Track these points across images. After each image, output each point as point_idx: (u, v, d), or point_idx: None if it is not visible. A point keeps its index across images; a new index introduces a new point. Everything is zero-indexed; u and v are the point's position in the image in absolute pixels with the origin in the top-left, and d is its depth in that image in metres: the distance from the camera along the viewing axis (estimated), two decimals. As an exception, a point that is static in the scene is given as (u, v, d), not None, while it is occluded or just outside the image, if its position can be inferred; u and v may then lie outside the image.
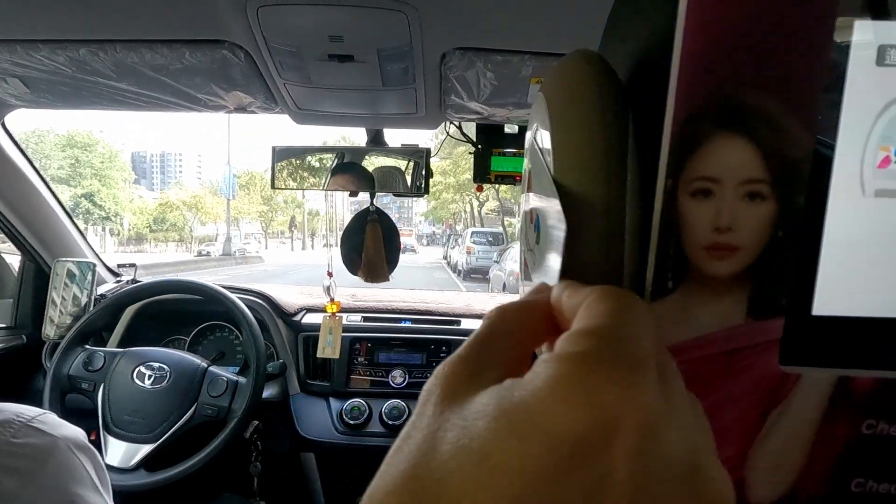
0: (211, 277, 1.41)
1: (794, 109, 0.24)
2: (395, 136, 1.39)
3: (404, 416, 1.39)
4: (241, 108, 1.12)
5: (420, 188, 1.33)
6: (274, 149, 1.29)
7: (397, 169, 1.39)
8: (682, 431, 0.18)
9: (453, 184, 27.31)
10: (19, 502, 0.42)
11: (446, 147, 1.26)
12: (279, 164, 1.43)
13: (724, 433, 0.26)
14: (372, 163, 1.42)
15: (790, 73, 0.23)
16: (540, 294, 0.26)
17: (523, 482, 0.15)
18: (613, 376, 0.17)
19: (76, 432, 0.50)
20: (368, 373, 1.48)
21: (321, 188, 1.44)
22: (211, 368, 1.29)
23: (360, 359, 1.49)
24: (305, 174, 1.48)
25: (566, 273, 0.27)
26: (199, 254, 30.62)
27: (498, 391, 0.18)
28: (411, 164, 1.36)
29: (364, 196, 1.38)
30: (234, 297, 1.33)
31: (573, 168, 0.28)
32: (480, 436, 0.16)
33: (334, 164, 1.42)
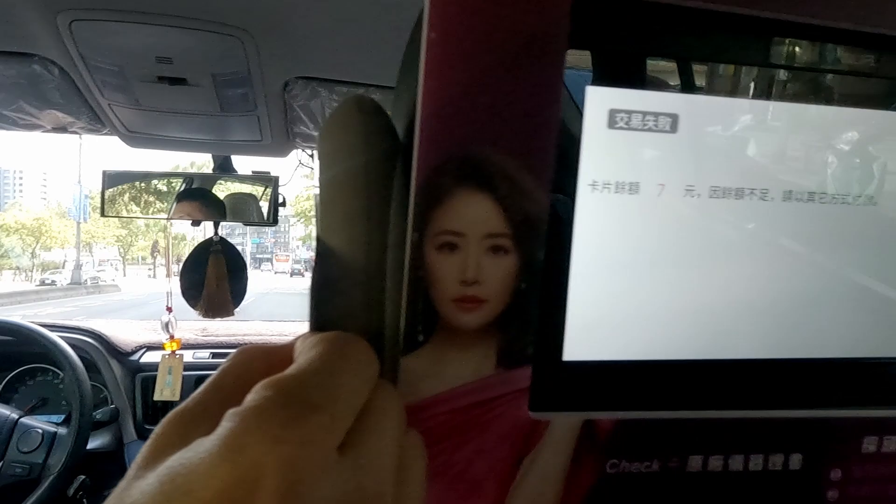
0: (56, 310, 1.25)
1: (530, 168, 0.25)
2: (250, 163, 1.33)
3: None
4: (61, 129, 1.01)
5: (272, 216, 1.28)
6: (105, 173, 1.18)
7: (251, 196, 1.34)
8: (349, 474, 0.18)
9: (332, 208, 26.79)
10: None
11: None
12: (118, 188, 1.31)
13: (479, 483, 0.26)
14: (227, 188, 1.36)
15: (525, 134, 0.24)
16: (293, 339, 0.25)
17: None
18: (266, 428, 0.17)
19: None
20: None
21: (167, 216, 1.34)
22: (23, 420, 1.13)
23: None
24: (152, 199, 1.37)
25: (322, 328, 0.26)
26: (43, 283, 27.33)
27: (173, 458, 0.17)
28: (268, 190, 1.32)
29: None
30: (53, 336, 1.18)
31: (333, 228, 0.27)
32: None
33: (180, 190, 1.34)
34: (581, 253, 0.27)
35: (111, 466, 1.29)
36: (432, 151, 0.24)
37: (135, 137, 1.05)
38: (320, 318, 0.26)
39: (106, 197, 1.20)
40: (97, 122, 0.98)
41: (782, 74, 0.29)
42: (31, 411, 1.17)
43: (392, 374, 0.25)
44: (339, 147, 0.28)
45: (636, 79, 0.27)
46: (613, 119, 0.27)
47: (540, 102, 0.24)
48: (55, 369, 1.39)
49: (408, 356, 0.25)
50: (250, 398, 0.18)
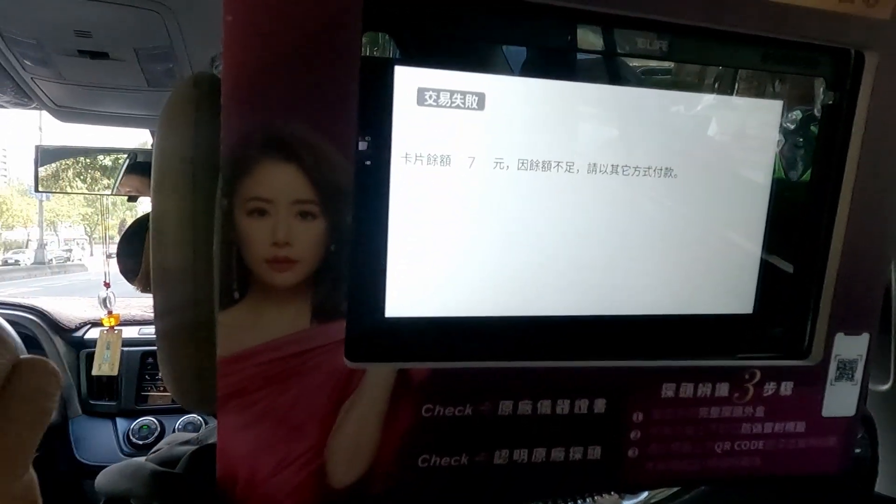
0: (18, 290, 1.24)
1: (333, 140, 0.27)
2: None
3: (202, 430, 1.33)
4: (-13, 103, 1.00)
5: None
6: (38, 148, 1.16)
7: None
8: None
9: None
10: None
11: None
12: (60, 163, 1.30)
13: (300, 427, 0.29)
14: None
15: (326, 108, 0.27)
16: None
17: None
18: None
19: None
20: (162, 388, 1.39)
21: (112, 192, 1.33)
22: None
23: (155, 374, 1.40)
24: (97, 174, 1.36)
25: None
26: (6, 262, 26.55)
27: None
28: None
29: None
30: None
31: (164, 195, 0.30)
32: None
33: (125, 165, 1.32)
34: (398, 219, 0.30)
35: (56, 441, 1.30)
36: (235, 125, 0.26)
37: (64, 112, 1.04)
38: (156, 268, 0.28)
39: (41, 173, 1.19)
40: (23, 96, 0.97)
41: (584, 57, 0.32)
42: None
43: None
44: (172, 118, 0.30)
45: (443, 59, 0.29)
46: (422, 97, 0.29)
47: (339, 78, 0.27)
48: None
49: (224, 311, 0.27)
50: None
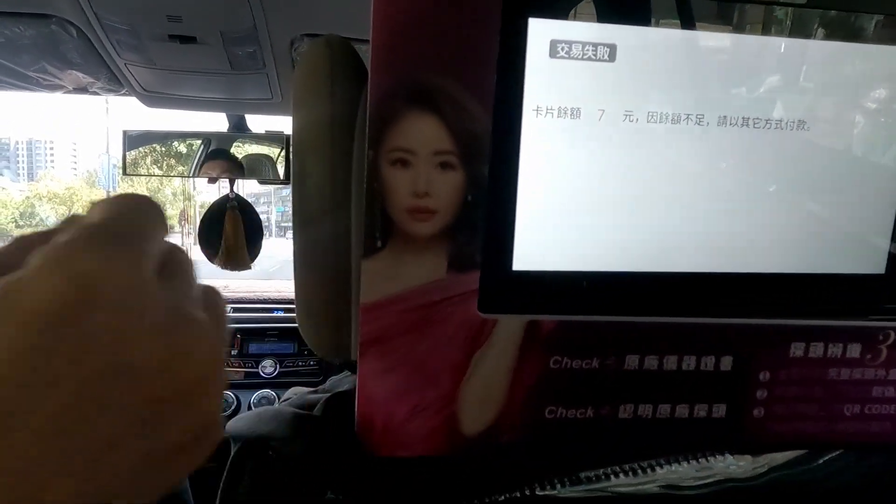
0: None
1: (472, 92, 0.28)
2: (266, 123, 1.37)
3: (274, 405, 1.38)
4: (82, 89, 1.05)
5: (287, 175, 1.32)
6: (125, 133, 1.23)
7: (267, 157, 1.37)
8: (168, 297, 0.19)
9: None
10: None
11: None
12: (139, 150, 1.36)
13: (435, 374, 0.30)
14: (244, 150, 1.39)
15: (466, 61, 0.27)
16: None
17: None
18: (98, 247, 0.17)
19: None
20: (238, 364, 1.45)
21: (190, 175, 1.39)
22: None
23: (230, 350, 1.46)
24: (172, 161, 1.42)
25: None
26: (76, 251, 28.07)
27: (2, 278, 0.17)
28: (282, 151, 1.35)
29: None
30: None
31: (305, 155, 0.31)
32: None
33: (201, 151, 1.38)
34: (528, 173, 0.30)
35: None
36: (383, 77, 0.27)
37: (151, 97, 1.09)
38: (298, 223, 0.30)
39: (127, 158, 1.25)
40: (115, 82, 1.02)
41: (716, 6, 0.31)
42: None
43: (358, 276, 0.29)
44: (309, 80, 0.32)
45: (576, 10, 0.29)
46: (555, 49, 0.29)
47: (479, 32, 0.27)
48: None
49: (368, 259, 0.29)
50: (59, 235, 0.18)
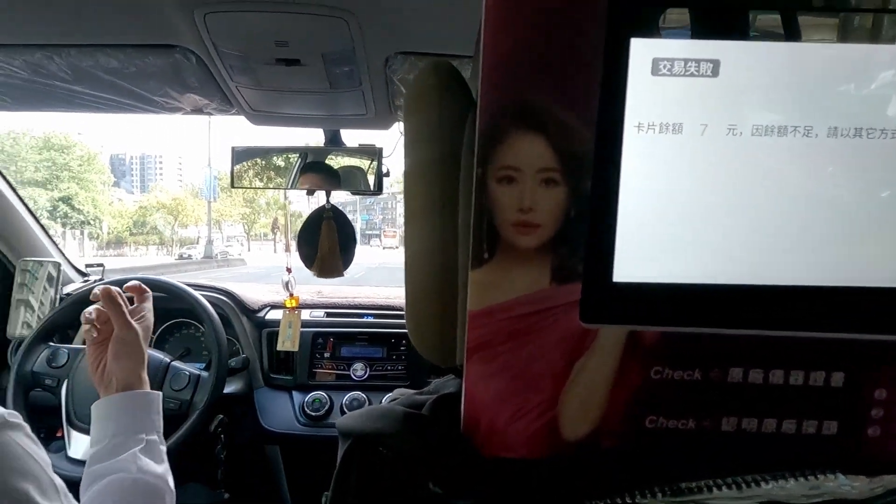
0: (193, 281, 1.46)
1: (576, 112, 0.29)
2: (358, 136, 1.43)
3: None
4: (198, 110, 1.16)
5: (378, 186, 1.37)
6: (233, 149, 1.32)
7: (359, 168, 1.44)
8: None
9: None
10: None
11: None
12: (242, 164, 1.46)
13: (537, 380, 0.32)
14: (338, 162, 1.47)
15: (571, 83, 0.29)
16: None
17: None
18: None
19: (5, 411, 0.54)
20: (331, 366, 1.52)
21: (287, 187, 1.48)
22: (173, 363, 1.32)
23: (323, 353, 1.53)
24: (272, 173, 1.52)
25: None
26: (181, 257, 30.35)
27: None
28: (374, 163, 1.41)
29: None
30: (196, 294, 1.36)
31: (415, 172, 0.33)
32: None
33: (298, 164, 1.46)
34: (629, 187, 0.31)
35: (243, 408, 1.47)
36: (493, 99, 0.29)
37: (258, 115, 1.17)
38: (408, 238, 0.32)
39: (234, 171, 1.35)
40: (227, 103, 1.11)
41: (821, 16, 0.31)
42: (179, 358, 1.36)
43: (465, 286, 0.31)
44: (419, 103, 0.34)
45: (678, 29, 0.30)
46: (657, 67, 0.30)
47: (583, 54, 0.29)
48: (197, 324, 1.60)
49: (475, 270, 0.30)
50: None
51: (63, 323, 1.44)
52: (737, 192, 0.31)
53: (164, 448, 0.77)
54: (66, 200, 30.27)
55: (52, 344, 1.36)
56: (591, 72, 0.29)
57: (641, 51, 0.30)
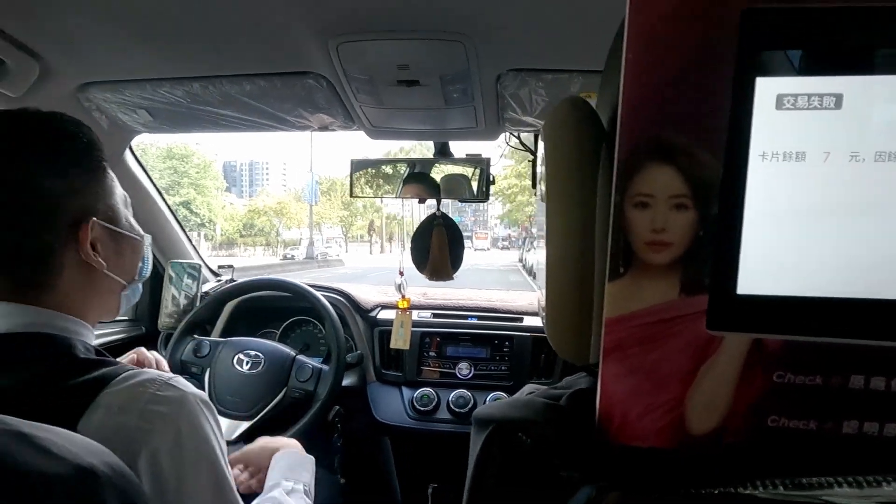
0: (296, 280, 1.60)
1: (705, 145, 0.33)
2: (463, 147, 1.51)
3: (469, 405, 1.51)
4: (325, 128, 1.27)
5: (483, 194, 1.44)
6: (352, 161, 1.44)
7: (464, 176, 1.51)
8: None
9: (529, 186, 27.22)
10: (160, 438, 0.57)
11: (523, 151, 1.36)
12: (356, 173, 1.58)
13: (665, 380, 0.36)
14: (442, 170, 1.55)
15: (701, 119, 0.33)
16: None
17: None
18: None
19: (199, 391, 0.65)
20: (437, 364, 1.61)
21: (394, 196, 1.58)
22: (298, 357, 1.46)
23: (429, 352, 1.62)
24: (381, 182, 1.62)
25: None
26: (285, 257, 32.22)
27: None
28: (477, 170, 1.48)
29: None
30: (317, 294, 1.49)
31: (556, 199, 0.39)
32: None
33: (406, 174, 1.56)
34: (753, 209, 0.35)
35: (357, 401, 1.59)
36: (630, 136, 0.33)
37: (376, 131, 1.28)
38: (550, 255, 0.38)
39: (353, 180, 1.47)
40: (349, 120, 1.22)
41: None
42: (300, 353, 1.49)
43: (601, 297, 0.36)
44: (557, 138, 0.39)
45: (801, 68, 0.33)
46: (781, 102, 0.34)
47: (713, 94, 0.33)
48: (315, 321, 1.75)
49: (611, 282, 0.35)
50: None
51: (204, 319, 1.63)
52: (856, 213, 0.34)
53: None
54: (186, 205, 33.10)
55: (196, 336, 1.54)
56: (719, 108, 0.33)
57: (766, 88, 0.33)
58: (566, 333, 0.42)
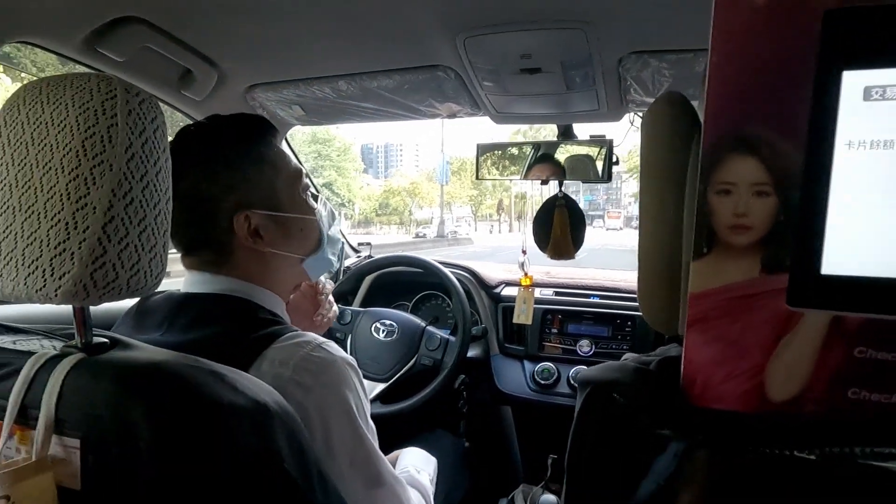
0: (427, 257, 1.73)
1: (786, 135, 0.36)
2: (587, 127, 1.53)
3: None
4: (452, 115, 1.36)
5: (608, 174, 1.45)
6: (478, 145, 1.52)
7: (588, 157, 1.53)
8: None
9: (666, 162, 25.77)
10: (306, 391, 0.67)
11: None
12: (483, 156, 1.65)
13: (746, 350, 0.40)
14: (567, 150, 1.58)
15: (783, 111, 0.36)
16: None
17: None
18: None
19: (348, 355, 0.75)
20: (558, 341, 1.66)
21: (520, 178, 1.63)
22: (428, 328, 1.58)
23: (551, 328, 1.68)
24: (506, 163, 1.69)
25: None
26: (417, 236, 33.49)
27: None
28: (602, 150, 1.49)
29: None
30: (446, 270, 1.60)
31: (650, 184, 0.43)
32: None
33: (531, 156, 1.61)
34: (839, 194, 0.37)
35: (481, 371, 1.69)
36: (714, 131, 0.37)
37: (501, 116, 1.34)
38: (642, 233, 0.43)
39: (479, 162, 1.55)
40: (475, 107, 1.30)
41: None
42: (430, 324, 1.62)
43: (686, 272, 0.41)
44: (653, 130, 0.44)
45: (888, 60, 0.35)
46: (868, 93, 0.36)
47: (794, 86, 0.36)
48: (443, 296, 1.87)
49: (696, 261, 0.40)
50: None
51: (346, 290, 1.81)
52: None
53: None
54: (328, 186, 35.49)
55: (340, 306, 1.73)
56: (800, 100, 0.36)
57: (854, 82, 0.35)
58: (656, 306, 0.46)
